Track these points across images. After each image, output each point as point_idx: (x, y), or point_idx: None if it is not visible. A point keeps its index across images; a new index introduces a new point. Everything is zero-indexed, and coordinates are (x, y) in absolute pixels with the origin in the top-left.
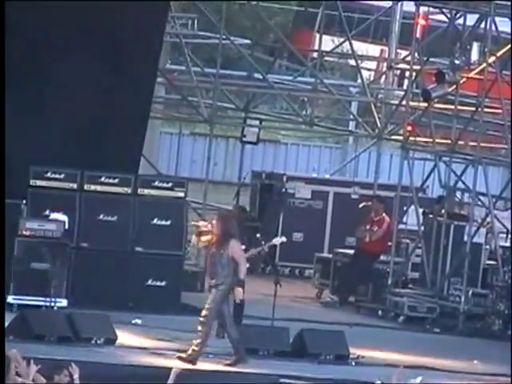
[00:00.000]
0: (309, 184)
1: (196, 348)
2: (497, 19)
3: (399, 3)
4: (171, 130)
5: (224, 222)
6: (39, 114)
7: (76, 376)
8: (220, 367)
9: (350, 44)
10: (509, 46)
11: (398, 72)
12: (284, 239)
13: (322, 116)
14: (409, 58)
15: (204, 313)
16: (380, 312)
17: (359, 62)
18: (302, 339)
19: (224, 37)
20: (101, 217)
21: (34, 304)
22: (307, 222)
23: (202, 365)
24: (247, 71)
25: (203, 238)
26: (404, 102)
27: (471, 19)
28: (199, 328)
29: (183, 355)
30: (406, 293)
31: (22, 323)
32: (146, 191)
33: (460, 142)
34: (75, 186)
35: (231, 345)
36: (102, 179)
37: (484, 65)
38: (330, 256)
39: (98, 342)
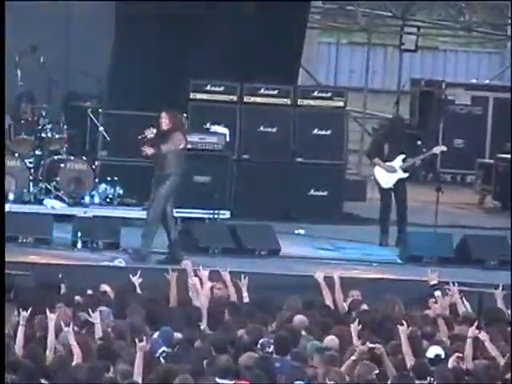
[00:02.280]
0: (468, 90)
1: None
2: None
3: None
4: (329, 39)
5: (171, 116)
6: (199, 28)
7: (244, 286)
8: (381, 275)
9: None
10: None
11: None
12: (444, 148)
13: (480, 21)
14: None
15: (150, 208)
16: None
17: None
18: (465, 245)
19: None
20: (261, 128)
21: (197, 217)
22: (467, 128)
23: (363, 273)
24: None
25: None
26: None
27: None
28: (145, 228)
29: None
30: None
31: (186, 236)
32: (306, 101)
33: None
34: (235, 98)
35: (168, 243)
36: (262, 91)
37: None
38: (492, 161)
39: (262, 252)
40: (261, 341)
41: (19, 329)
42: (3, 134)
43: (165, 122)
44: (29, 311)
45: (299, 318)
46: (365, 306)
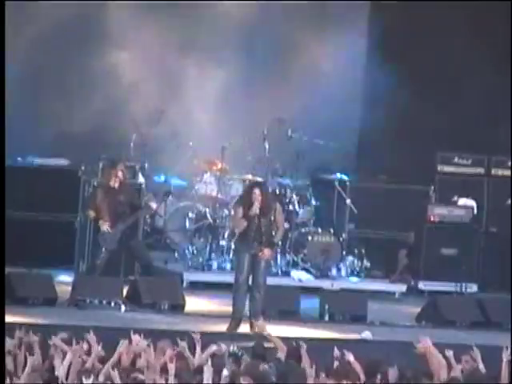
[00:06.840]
0: None
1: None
2: None
3: None
4: None
5: (266, 192)
6: (446, 94)
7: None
8: None
9: None
10: None
11: None
12: None
13: None
14: None
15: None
16: None
17: None
18: None
19: None
20: (509, 202)
21: (444, 290)
22: None
23: None
24: None
25: None
26: None
27: None
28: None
29: None
30: None
31: (432, 309)
32: None
33: None
34: (482, 170)
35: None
36: (510, 163)
37: None
38: None
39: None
40: None
41: None
42: (3, 135)
43: (260, 198)
44: None
45: None
46: None
